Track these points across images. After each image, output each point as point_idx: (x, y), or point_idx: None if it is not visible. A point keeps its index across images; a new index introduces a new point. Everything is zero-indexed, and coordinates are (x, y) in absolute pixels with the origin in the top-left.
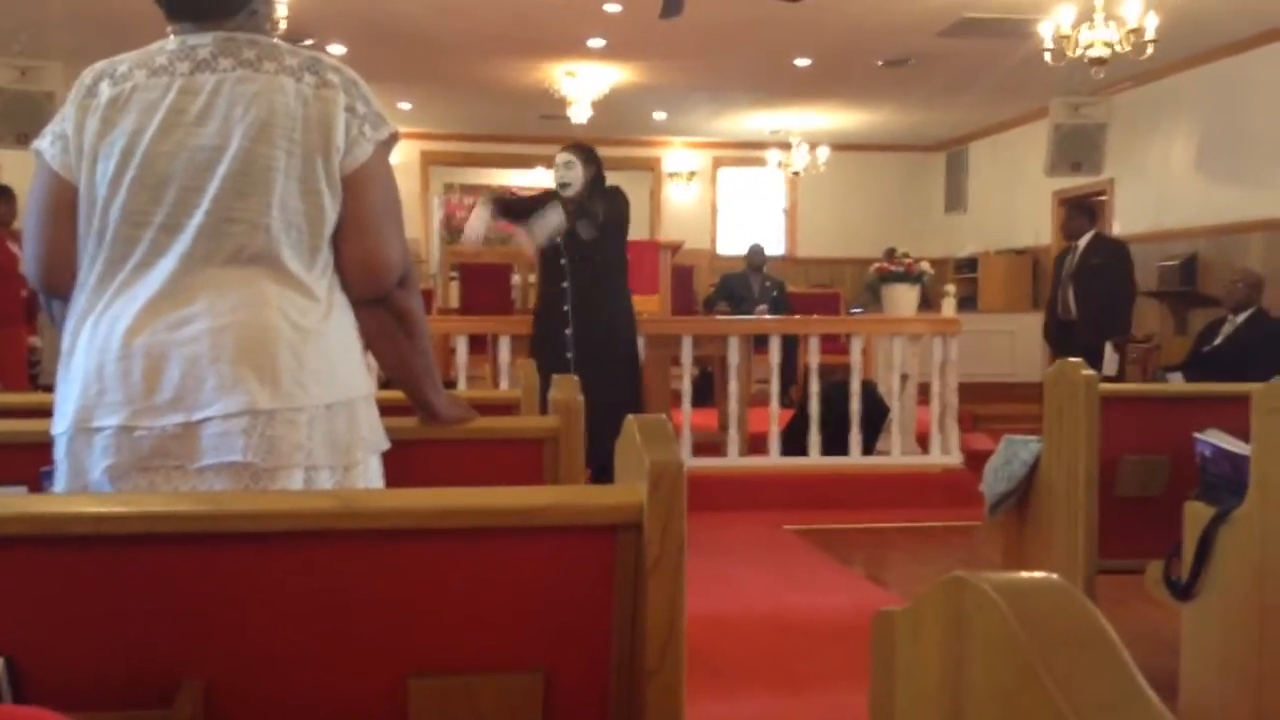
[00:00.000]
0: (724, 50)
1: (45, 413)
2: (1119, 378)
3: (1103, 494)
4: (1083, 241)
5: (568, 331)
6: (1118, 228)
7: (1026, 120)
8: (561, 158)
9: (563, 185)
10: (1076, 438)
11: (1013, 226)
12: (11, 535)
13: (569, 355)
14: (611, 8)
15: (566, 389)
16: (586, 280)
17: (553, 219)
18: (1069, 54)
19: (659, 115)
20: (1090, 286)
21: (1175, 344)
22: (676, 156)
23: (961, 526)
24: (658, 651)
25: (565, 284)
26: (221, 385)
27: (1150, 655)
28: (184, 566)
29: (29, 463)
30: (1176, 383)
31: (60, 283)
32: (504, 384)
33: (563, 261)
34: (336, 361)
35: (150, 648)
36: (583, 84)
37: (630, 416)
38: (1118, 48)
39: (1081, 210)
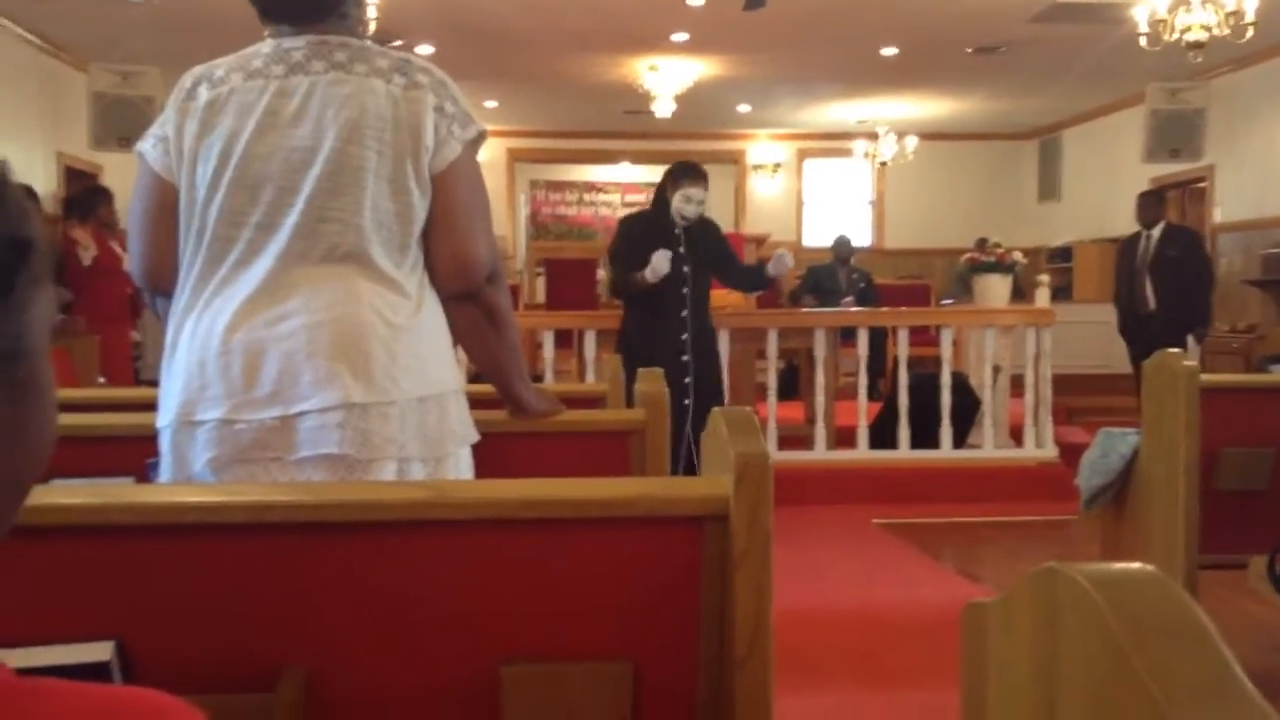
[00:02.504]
0: (809, 41)
1: (150, 406)
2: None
3: (1203, 487)
4: (1156, 231)
5: (685, 358)
6: (1219, 215)
7: (1122, 106)
8: (698, 193)
9: (686, 218)
10: (1176, 430)
11: (1108, 215)
12: (120, 524)
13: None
14: (695, 1)
15: (652, 381)
16: (701, 310)
17: (662, 263)
18: (1165, 38)
19: (743, 108)
20: (1169, 278)
21: (1279, 334)
22: (761, 148)
23: (1057, 521)
24: (746, 642)
25: (685, 313)
26: (317, 380)
27: (1255, 652)
28: (284, 555)
29: (135, 454)
30: None
31: (163, 280)
32: (590, 378)
33: (684, 290)
34: (427, 356)
35: (253, 633)
36: (666, 78)
37: (716, 409)
38: (1216, 31)
39: (1156, 199)
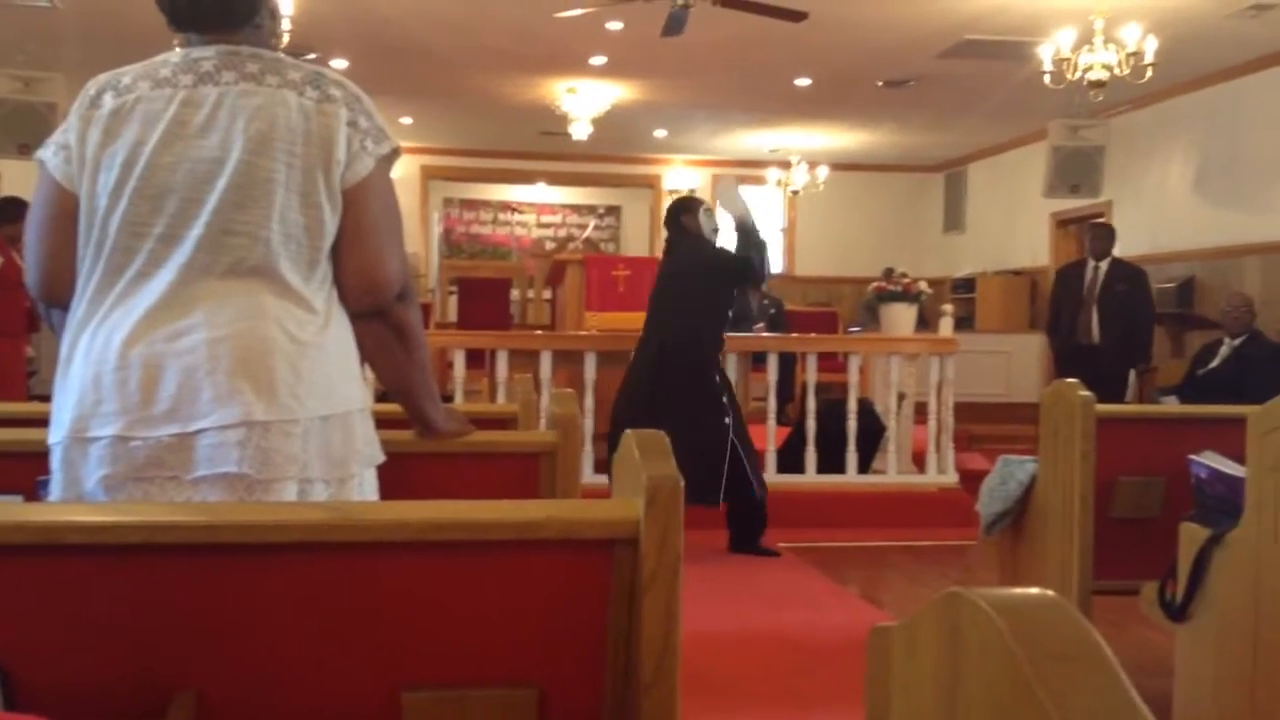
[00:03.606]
0: (725, 69)
1: (42, 422)
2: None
3: (1098, 515)
4: (1105, 264)
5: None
6: (1116, 250)
7: (1026, 142)
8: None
9: (716, 230)
10: (1072, 458)
11: (1010, 247)
12: (7, 544)
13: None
14: (613, 25)
15: (565, 404)
16: None
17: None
18: (1068, 77)
19: (659, 133)
20: (1116, 312)
21: (1172, 366)
22: (676, 174)
23: (957, 546)
24: (653, 666)
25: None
26: (218, 396)
27: (1145, 676)
28: (179, 577)
29: (25, 472)
30: (1172, 405)
31: (60, 292)
32: (501, 398)
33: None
34: (333, 374)
35: (144, 657)
36: (584, 101)
37: (628, 432)
38: (1117, 71)
39: (1109, 231)
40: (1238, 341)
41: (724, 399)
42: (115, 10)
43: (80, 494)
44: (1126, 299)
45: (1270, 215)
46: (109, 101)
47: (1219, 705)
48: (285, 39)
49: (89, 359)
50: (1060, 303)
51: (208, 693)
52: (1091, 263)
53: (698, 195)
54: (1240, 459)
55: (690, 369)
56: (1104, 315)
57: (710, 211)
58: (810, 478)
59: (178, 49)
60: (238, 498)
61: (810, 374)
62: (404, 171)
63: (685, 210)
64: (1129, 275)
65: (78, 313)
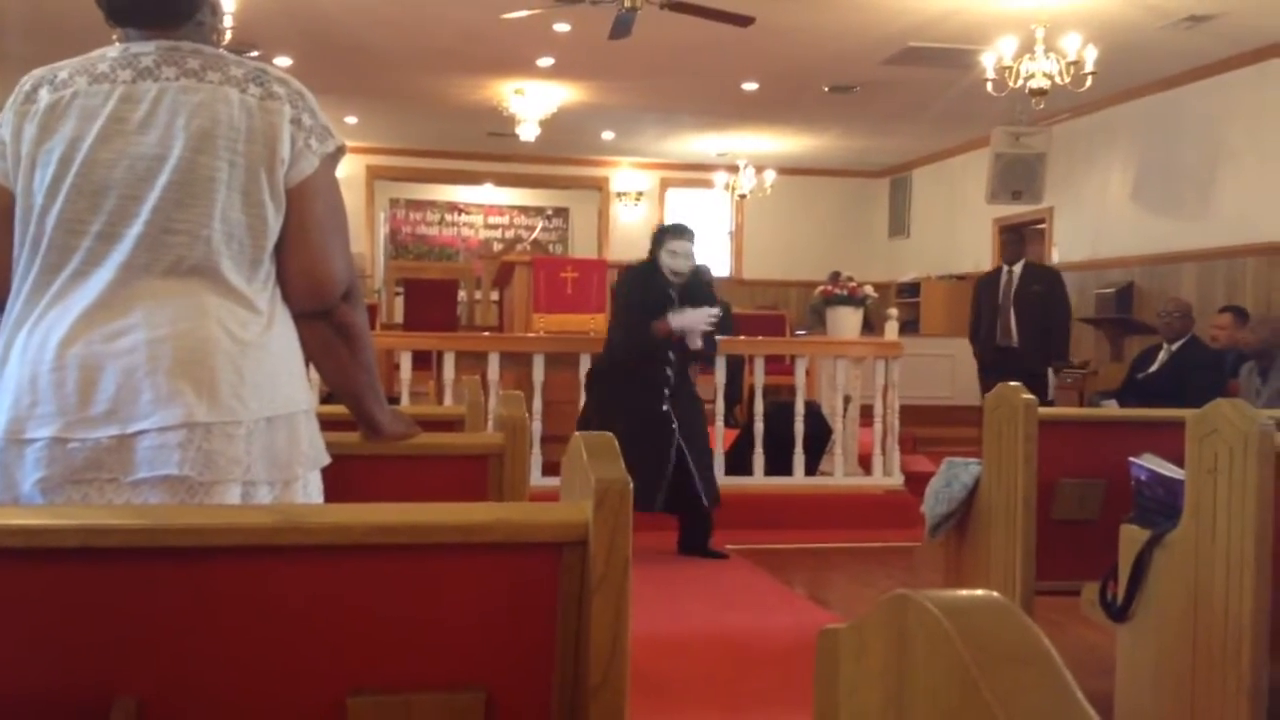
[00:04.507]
0: (672, 72)
1: None
2: (1052, 402)
3: (1040, 516)
4: (1018, 268)
5: (666, 409)
6: (1056, 255)
7: (969, 148)
8: (682, 246)
9: (678, 273)
10: (1015, 461)
11: (954, 252)
12: None
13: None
14: (561, 27)
15: (512, 405)
16: (683, 362)
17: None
18: (1010, 84)
19: (607, 135)
20: (1033, 313)
21: (1111, 370)
22: (624, 176)
23: (902, 548)
24: (601, 669)
25: (669, 370)
26: (158, 397)
27: (1086, 676)
28: (118, 581)
29: None
30: (1112, 408)
31: None
32: (448, 400)
33: (671, 354)
34: (277, 375)
35: (82, 664)
36: (531, 102)
37: (576, 434)
38: (1057, 79)
39: (1019, 236)
40: (1175, 346)
41: (663, 408)
42: (53, 4)
43: (16, 497)
44: (1041, 299)
45: (1206, 222)
46: (45, 96)
47: (1158, 703)
48: (227, 36)
49: (25, 359)
50: (980, 310)
51: (148, 699)
52: (1005, 268)
53: (684, 227)
54: (1179, 461)
55: (619, 379)
56: (1021, 317)
57: (675, 254)
58: (758, 480)
59: (117, 44)
60: (179, 500)
61: (758, 377)
62: (349, 171)
63: (656, 241)
64: (1043, 276)
65: (13, 312)
